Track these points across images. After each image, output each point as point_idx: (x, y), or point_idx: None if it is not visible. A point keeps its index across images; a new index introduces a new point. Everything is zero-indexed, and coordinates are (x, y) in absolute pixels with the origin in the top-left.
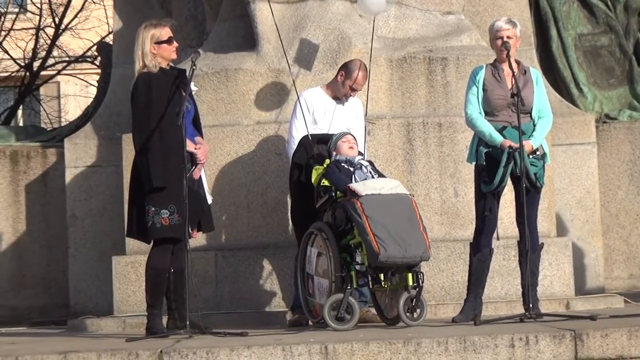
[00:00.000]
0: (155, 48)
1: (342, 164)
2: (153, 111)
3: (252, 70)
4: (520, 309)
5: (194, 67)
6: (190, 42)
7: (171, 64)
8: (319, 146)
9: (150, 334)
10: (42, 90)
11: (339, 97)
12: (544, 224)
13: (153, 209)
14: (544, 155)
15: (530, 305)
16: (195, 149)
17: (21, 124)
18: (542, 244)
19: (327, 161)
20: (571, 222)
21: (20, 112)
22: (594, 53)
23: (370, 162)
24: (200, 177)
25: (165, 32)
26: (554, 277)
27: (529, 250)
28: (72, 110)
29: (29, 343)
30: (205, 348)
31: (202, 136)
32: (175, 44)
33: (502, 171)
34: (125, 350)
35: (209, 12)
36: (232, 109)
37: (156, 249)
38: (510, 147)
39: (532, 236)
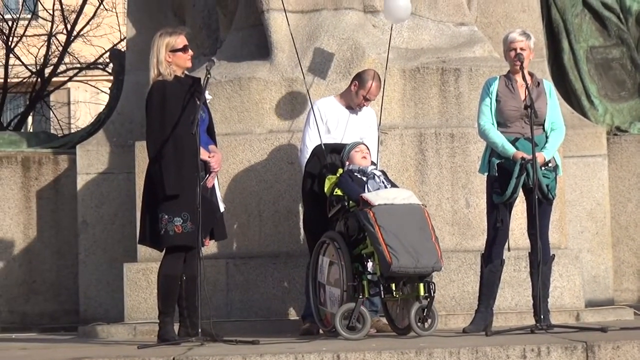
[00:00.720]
0: (170, 56)
1: (355, 174)
2: (167, 119)
3: (265, 79)
4: (530, 320)
5: (209, 76)
6: (204, 51)
7: (186, 72)
8: (332, 155)
9: (162, 341)
10: (52, 96)
11: (353, 106)
12: (555, 236)
13: (166, 216)
14: (556, 167)
15: (542, 317)
16: (209, 157)
17: (30, 130)
18: (554, 255)
19: (340, 171)
20: (581, 233)
21: (30, 118)
22: (606, 66)
23: (383, 172)
24: (213, 186)
25: (180, 41)
26: (564, 288)
27: (540, 262)
28: (83, 117)
29: (41, 349)
30: (217, 356)
31: (215, 145)
32: (190, 52)
33: (514, 182)
34: (138, 357)
35: (222, 21)
36: (245, 117)
37: (169, 257)
38: (522, 158)
39: (544, 248)
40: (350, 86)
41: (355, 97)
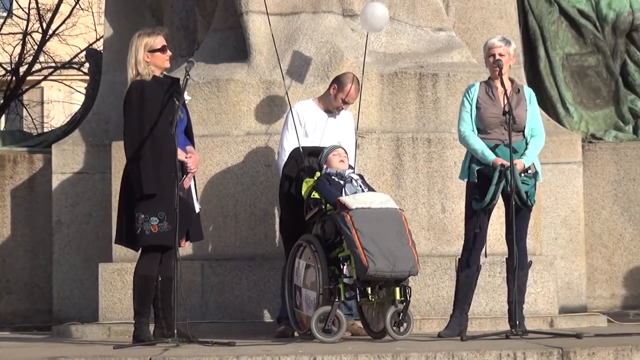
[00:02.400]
0: (148, 56)
1: (333, 177)
2: (145, 119)
3: (243, 81)
4: (504, 326)
5: (188, 77)
6: (181, 52)
7: (165, 72)
8: (309, 159)
9: (138, 342)
10: (25, 95)
11: (331, 110)
12: (530, 242)
13: (142, 216)
14: (535, 174)
15: (517, 322)
16: (186, 158)
17: (3, 128)
18: (531, 261)
19: (318, 174)
20: (555, 240)
21: (3, 117)
22: (581, 73)
23: (361, 176)
24: (190, 187)
25: (159, 41)
26: (539, 294)
27: (517, 268)
28: (57, 116)
29: (16, 348)
30: (194, 357)
31: (193, 146)
32: (168, 52)
33: (493, 189)
34: (114, 357)
35: (201, 22)
36: (223, 119)
37: (145, 257)
38: (502, 165)
39: (521, 254)
40: (329, 89)
41: (334, 100)
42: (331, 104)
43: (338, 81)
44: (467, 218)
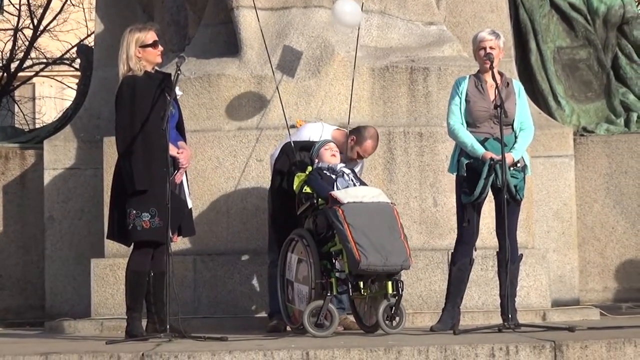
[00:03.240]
0: (140, 52)
1: (324, 172)
2: (137, 114)
3: (234, 76)
4: (497, 320)
5: (179, 72)
6: (172, 47)
7: (156, 67)
8: (301, 153)
9: (130, 337)
10: (16, 91)
11: (345, 160)
12: (522, 235)
13: (134, 211)
14: (524, 167)
15: (509, 316)
16: (178, 153)
17: None
18: (522, 255)
19: (310, 168)
20: (548, 233)
21: None
22: (572, 66)
23: (352, 170)
24: (181, 182)
25: (150, 36)
26: (531, 288)
27: (509, 261)
28: (49, 112)
29: (8, 344)
30: (186, 352)
31: (185, 141)
32: (160, 47)
33: (482, 183)
34: (107, 352)
35: (191, 17)
36: (214, 114)
37: (137, 252)
38: (491, 159)
39: (512, 247)
40: (348, 138)
41: (349, 151)
42: (345, 153)
43: (358, 133)
44: (458, 212)
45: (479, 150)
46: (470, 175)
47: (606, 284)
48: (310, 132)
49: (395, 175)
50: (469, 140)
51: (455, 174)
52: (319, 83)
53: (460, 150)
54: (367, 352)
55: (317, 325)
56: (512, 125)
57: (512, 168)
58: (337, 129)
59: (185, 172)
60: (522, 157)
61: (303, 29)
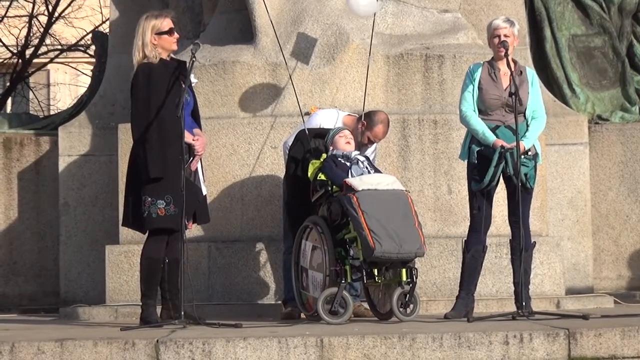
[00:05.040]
0: (155, 39)
1: (339, 159)
2: (152, 102)
3: (249, 63)
4: (511, 307)
5: (194, 59)
6: (187, 34)
7: (171, 55)
8: (315, 140)
9: (145, 324)
10: (31, 78)
11: (358, 146)
12: (536, 223)
13: (149, 199)
14: (535, 156)
15: (523, 303)
16: (194, 140)
17: (10, 111)
18: (535, 242)
19: (324, 155)
20: (562, 221)
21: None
22: (587, 54)
23: (367, 158)
24: (196, 169)
25: (166, 23)
26: (545, 275)
27: (522, 249)
28: (64, 98)
29: (24, 330)
30: (201, 339)
31: (200, 128)
32: (176, 35)
33: (492, 171)
34: (122, 339)
35: (206, 4)
36: (229, 101)
37: (151, 239)
38: (502, 146)
39: (525, 235)
40: (357, 123)
41: (360, 135)
42: (357, 137)
43: (369, 118)
44: (470, 199)
45: (490, 137)
46: (481, 162)
47: (620, 271)
48: (323, 119)
49: (409, 162)
50: (480, 127)
51: (466, 161)
52: (333, 70)
53: (472, 138)
54: (381, 339)
55: (331, 313)
56: (525, 113)
57: (523, 156)
58: (349, 114)
59: (200, 159)
60: (534, 146)
61: (318, 16)
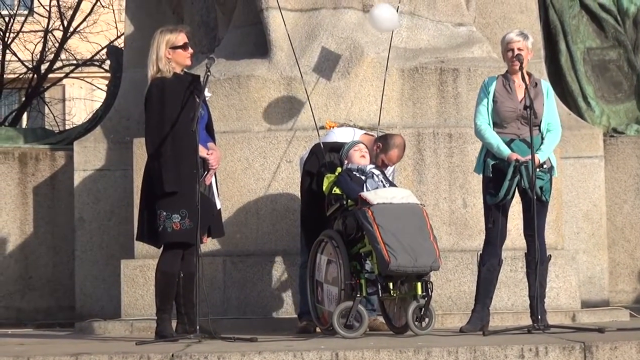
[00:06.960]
0: (170, 53)
1: (354, 173)
2: (166, 116)
3: (264, 78)
4: (526, 320)
5: (209, 73)
6: (202, 49)
7: (185, 69)
8: (330, 154)
9: (160, 338)
10: (47, 93)
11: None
12: (551, 236)
13: (164, 213)
14: (551, 169)
15: (539, 317)
16: (208, 154)
17: (25, 126)
18: (550, 256)
19: (339, 169)
20: (577, 234)
21: (25, 114)
22: (602, 67)
23: (382, 172)
24: (211, 183)
25: (180, 38)
26: (560, 289)
27: (538, 262)
28: (79, 113)
29: (39, 345)
30: (216, 353)
31: (214, 142)
32: (190, 50)
33: (507, 184)
34: (137, 353)
35: (221, 19)
36: (244, 115)
37: (167, 254)
38: (517, 160)
39: (540, 248)
40: (373, 144)
41: (374, 158)
42: (372, 159)
43: (384, 141)
44: (485, 213)
45: (505, 151)
46: (496, 176)
47: (636, 285)
48: (339, 137)
49: (424, 176)
50: (495, 141)
51: (481, 174)
52: (348, 84)
53: (487, 151)
54: (397, 353)
55: (347, 327)
56: (540, 126)
57: (538, 169)
58: (366, 133)
59: (215, 173)
60: (549, 159)
61: (332, 30)
